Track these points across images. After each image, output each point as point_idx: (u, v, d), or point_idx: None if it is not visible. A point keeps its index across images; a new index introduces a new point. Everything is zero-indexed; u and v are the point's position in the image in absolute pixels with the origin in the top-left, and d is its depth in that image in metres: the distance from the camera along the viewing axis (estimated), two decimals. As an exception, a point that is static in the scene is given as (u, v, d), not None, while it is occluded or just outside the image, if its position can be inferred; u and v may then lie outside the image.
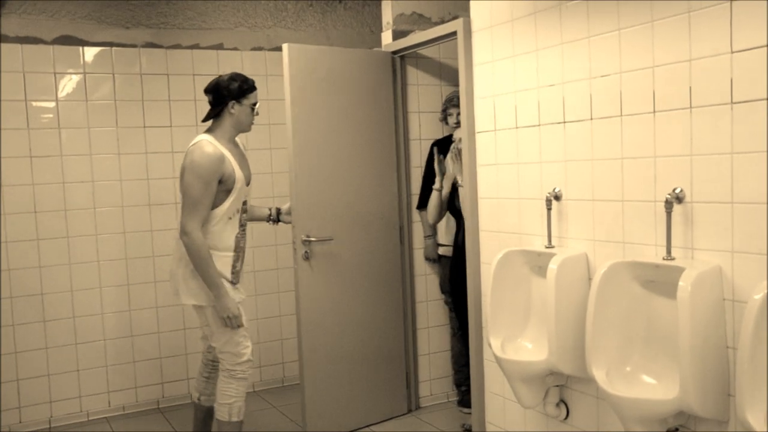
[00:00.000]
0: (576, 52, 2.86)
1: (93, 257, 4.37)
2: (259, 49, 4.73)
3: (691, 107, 2.40)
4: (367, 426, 4.10)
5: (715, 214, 2.35)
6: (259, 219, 3.75)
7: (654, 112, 2.54)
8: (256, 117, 3.39)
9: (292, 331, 4.85)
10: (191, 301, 3.28)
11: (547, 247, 3.03)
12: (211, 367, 3.53)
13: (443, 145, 3.92)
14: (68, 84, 4.29)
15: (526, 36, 3.11)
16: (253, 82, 3.36)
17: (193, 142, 3.29)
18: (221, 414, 3.33)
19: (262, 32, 4.75)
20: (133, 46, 4.42)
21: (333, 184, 3.93)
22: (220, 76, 3.35)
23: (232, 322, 3.22)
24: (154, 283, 4.51)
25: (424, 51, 4.17)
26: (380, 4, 4.29)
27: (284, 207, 3.79)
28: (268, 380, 4.88)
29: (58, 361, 4.30)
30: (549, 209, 3.01)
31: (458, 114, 3.79)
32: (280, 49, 4.72)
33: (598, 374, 2.53)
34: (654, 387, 2.51)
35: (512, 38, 3.20)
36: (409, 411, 4.28)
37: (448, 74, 4.27)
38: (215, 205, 3.22)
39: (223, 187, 3.23)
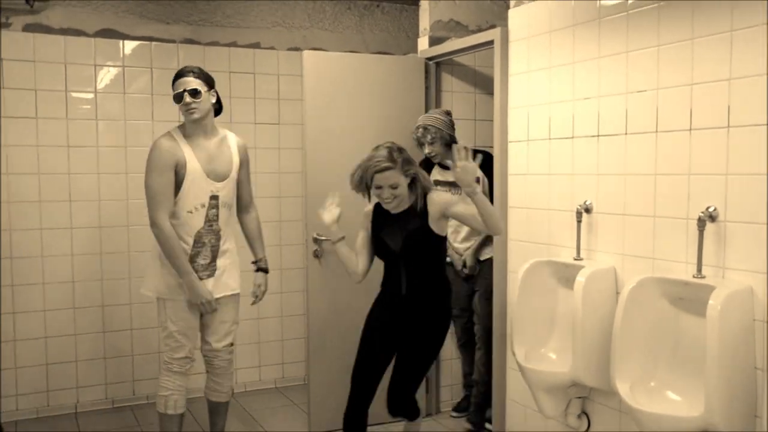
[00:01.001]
0: (613, 67, 2.87)
1: (124, 248, 4.43)
2: (296, 49, 4.78)
3: (728, 126, 2.41)
4: (380, 424, 4.11)
5: (748, 235, 2.35)
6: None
7: (690, 129, 2.55)
8: (186, 106, 3.24)
9: (293, 331, 4.90)
10: (147, 292, 3.33)
11: (575, 259, 3.04)
12: (207, 364, 3.50)
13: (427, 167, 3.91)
14: (107, 76, 4.36)
15: (564, 48, 3.12)
16: (180, 71, 3.28)
17: None
18: (158, 405, 3.34)
19: (299, 32, 4.80)
20: (172, 41, 4.49)
21: (345, 186, 3.95)
22: None
23: (206, 308, 3.25)
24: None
25: (460, 58, 4.19)
26: (418, 10, 4.32)
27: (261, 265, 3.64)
28: (267, 380, 4.90)
29: (84, 348, 4.38)
30: (579, 221, 3.02)
31: (430, 144, 3.78)
32: (316, 50, 4.80)
33: (622, 388, 2.55)
34: (678, 404, 2.51)
35: (549, 50, 3.21)
36: (429, 415, 4.29)
37: (483, 82, 4.29)
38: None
39: (177, 179, 3.20)
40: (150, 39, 4.44)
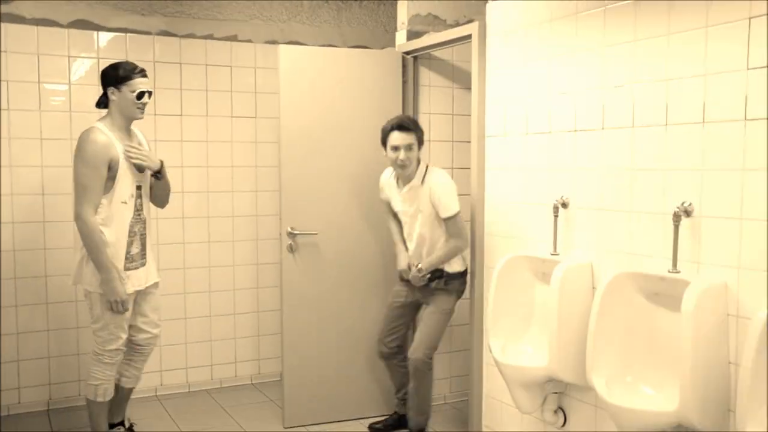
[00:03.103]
0: (589, 61, 2.87)
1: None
2: (273, 42, 4.73)
3: (704, 122, 2.41)
4: (354, 419, 4.11)
5: (723, 230, 2.36)
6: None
7: (666, 124, 2.55)
8: (143, 106, 3.35)
9: (269, 327, 4.85)
10: (84, 286, 3.34)
11: (552, 254, 3.04)
12: (136, 351, 3.57)
13: None
14: (81, 68, 4.29)
15: (541, 43, 3.12)
16: (136, 69, 3.33)
17: (84, 129, 3.33)
18: (89, 393, 3.44)
19: (276, 26, 4.76)
20: (148, 33, 4.42)
21: (321, 181, 3.99)
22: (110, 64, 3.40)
23: (119, 307, 3.28)
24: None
25: (438, 53, 4.17)
26: (396, 4, 4.29)
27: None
28: (243, 376, 4.85)
29: (58, 345, 4.32)
30: (556, 216, 3.02)
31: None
32: (294, 43, 4.78)
33: (598, 383, 2.55)
34: (654, 398, 2.52)
35: (527, 44, 3.21)
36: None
37: (461, 77, 4.27)
38: (106, 190, 3.26)
39: (111, 173, 3.26)
40: (125, 30, 4.37)
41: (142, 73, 3.34)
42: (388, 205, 3.80)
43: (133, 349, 3.56)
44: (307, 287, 4.00)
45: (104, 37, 4.33)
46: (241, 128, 4.70)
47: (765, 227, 2.23)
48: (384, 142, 3.59)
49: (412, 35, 4.13)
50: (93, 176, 3.21)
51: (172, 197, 3.67)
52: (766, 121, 2.22)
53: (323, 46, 4.83)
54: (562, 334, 2.79)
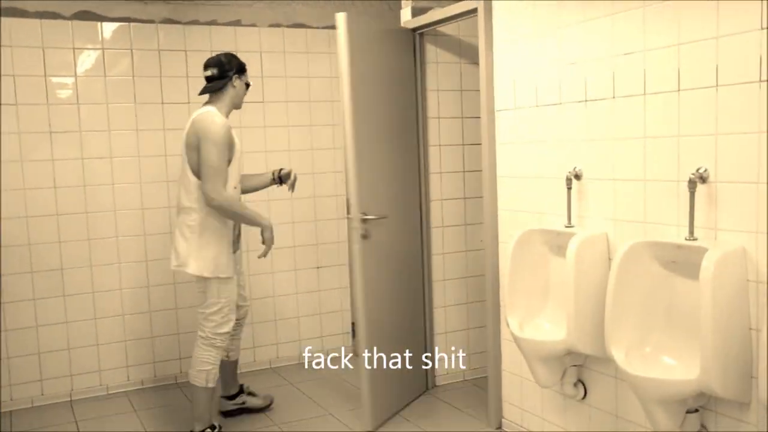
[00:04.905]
0: (599, 30, 2.82)
1: (112, 233, 4.39)
2: (277, 25, 4.70)
3: (717, 85, 2.37)
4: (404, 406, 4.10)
5: (740, 194, 2.33)
6: (264, 185, 3.85)
7: (679, 90, 2.51)
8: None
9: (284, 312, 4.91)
10: (198, 273, 3.40)
11: (566, 227, 3.02)
12: (237, 324, 3.75)
13: None
14: (87, 60, 4.28)
15: (548, 14, 3.07)
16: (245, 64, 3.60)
17: (198, 113, 3.41)
18: (198, 380, 3.47)
19: (280, 8, 4.72)
20: (151, 21, 4.40)
21: (382, 164, 3.90)
22: (219, 53, 3.59)
23: (271, 241, 3.49)
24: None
25: (444, 28, 4.13)
26: (400, -19, 4.25)
27: (284, 171, 3.81)
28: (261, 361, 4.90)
29: (77, 336, 4.35)
30: (569, 188, 2.99)
31: None
32: (298, 25, 4.74)
33: (617, 354, 2.53)
34: (674, 368, 2.50)
35: (534, 16, 3.16)
36: (427, 389, 4.29)
37: (468, 52, 4.23)
38: None
39: (229, 155, 3.36)
40: (128, 20, 4.35)
41: None
42: None
43: (238, 323, 3.76)
44: (375, 271, 3.81)
45: (108, 28, 4.31)
46: (249, 114, 4.68)
47: (783, 190, 2.20)
48: None
49: (417, 12, 4.08)
50: (222, 157, 3.31)
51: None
52: (781, 81, 2.18)
53: (327, 28, 4.80)
54: (580, 307, 2.78)
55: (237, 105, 3.56)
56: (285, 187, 3.82)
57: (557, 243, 3.06)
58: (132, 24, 4.36)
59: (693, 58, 2.44)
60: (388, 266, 3.95)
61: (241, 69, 3.52)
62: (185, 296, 4.58)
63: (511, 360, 3.53)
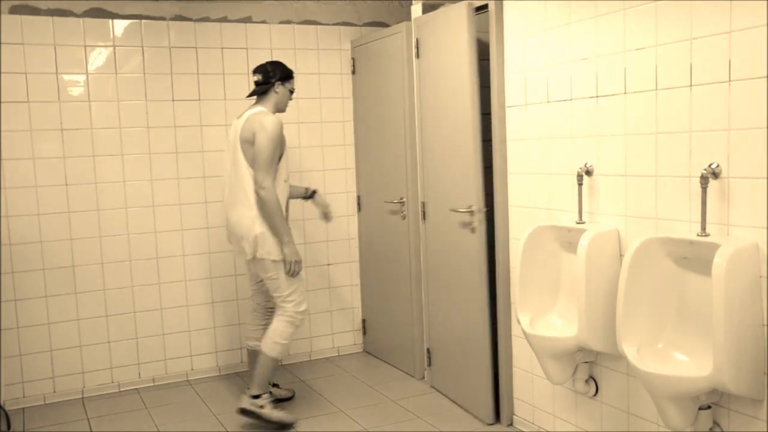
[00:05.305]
0: (610, 25, 2.80)
1: (123, 230, 4.41)
2: (288, 22, 4.70)
3: (730, 80, 2.35)
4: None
5: (752, 190, 2.31)
6: (297, 195, 4.18)
7: (691, 85, 2.49)
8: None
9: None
10: (270, 257, 3.65)
11: (577, 223, 3.00)
12: (268, 315, 3.95)
13: None
14: (98, 57, 4.30)
15: (559, 9, 3.06)
16: (292, 71, 3.88)
17: (252, 112, 3.71)
18: (275, 351, 3.73)
19: (291, 5, 4.72)
20: (162, 19, 4.42)
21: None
22: (270, 61, 3.87)
23: (297, 267, 3.67)
24: (182, 257, 4.55)
25: (454, 24, 4.11)
26: (410, -23, 4.24)
27: (319, 193, 4.22)
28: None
29: (89, 333, 4.37)
30: (580, 184, 2.98)
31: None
32: (309, 22, 4.75)
33: (629, 351, 2.52)
34: (686, 364, 2.49)
35: (545, 11, 3.15)
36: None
37: (479, 48, 4.20)
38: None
39: (279, 152, 3.68)
40: (139, 17, 4.36)
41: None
42: None
43: (269, 313, 3.96)
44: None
45: (119, 25, 4.33)
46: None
47: (797, 185, 2.18)
48: None
49: (428, 8, 4.07)
50: (275, 152, 3.62)
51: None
52: (794, 76, 2.16)
53: (338, 24, 4.80)
54: (591, 303, 2.76)
55: (281, 109, 3.85)
56: (309, 200, 4.21)
57: (568, 239, 3.05)
58: (143, 21, 4.37)
59: (706, 53, 2.43)
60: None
61: (285, 77, 3.80)
62: (196, 294, 4.60)
63: (521, 357, 3.52)
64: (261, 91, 3.78)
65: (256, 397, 3.74)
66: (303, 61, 4.75)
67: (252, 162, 3.64)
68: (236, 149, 3.69)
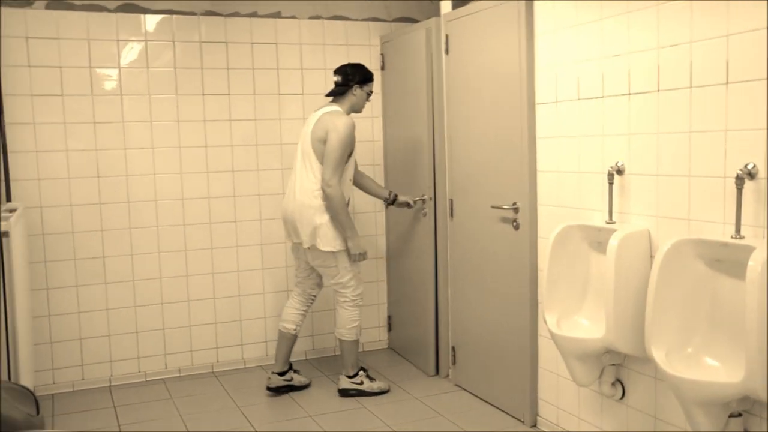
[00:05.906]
0: (643, 21, 2.75)
1: (152, 222, 4.45)
2: (317, 17, 4.70)
3: None
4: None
5: (789, 192, 2.24)
6: (378, 195, 4.40)
7: (727, 83, 2.43)
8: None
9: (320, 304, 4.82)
10: (329, 248, 3.87)
11: (607, 223, 2.96)
12: (310, 302, 4.22)
13: None
14: (130, 52, 4.34)
15: (591, 4, 3.00)
16: (372, 74, 4.04)
17: (326, 111, 3.91)
18: (349, 335, 4.05)
19: (320, 1, 4.72)
20: (193, 14, 4.44)
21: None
22: (350, 63, 4.05)
23: (362, 258, 3.94)
24: (210, 249, 4.58)
25: (485, 20, 4.07)
26: (440, -28, 4.21)
27: (401, 197, 4.36)
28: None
29: (118, 323, 4.43)
30: (611, 183, 2.93)
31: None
32: (338, 18, 4.74)
33: (658, 354, 2.47)
34: (717, 370, 2.43)
35: (575, 7, 3.10)
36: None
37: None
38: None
39: (348, 151, 3.87)
40: (170, 12, 4.40)
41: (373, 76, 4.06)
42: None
43: (312, 301, 4.22)
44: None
45: (151, 21, 4.37)
46: (289, 105, 4.70)
47: (836, 188, 2.11)
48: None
49: (458, 4, 4.04)
50: (345, 152, 3.84)
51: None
52: (835, 74, 2.09)
53: (367, 20, 4.78)
54: (620, 304, 2.72)
55: (357, 110, 4.04)
56: (389, 204, 4.40)
57: (597, 239, 3.00)
58: (174, 16, 4.41)
59: (742, 49, 2.36)
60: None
61: (364, 80, 3.97)
62: (222, 287, 4.63)
63: (547, 357, 3.48)
64: (339, 92, 3.96)
65: (353, 376, 4.08)
66: (332, 57, 4.74)
67: (321, 158, 3.84)
68: (306, 143, 3.90)
